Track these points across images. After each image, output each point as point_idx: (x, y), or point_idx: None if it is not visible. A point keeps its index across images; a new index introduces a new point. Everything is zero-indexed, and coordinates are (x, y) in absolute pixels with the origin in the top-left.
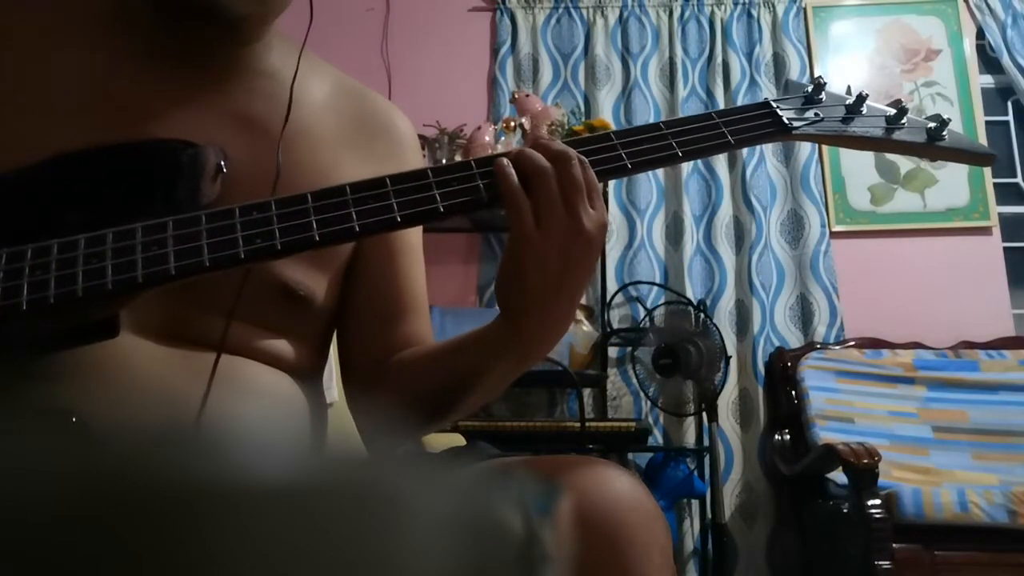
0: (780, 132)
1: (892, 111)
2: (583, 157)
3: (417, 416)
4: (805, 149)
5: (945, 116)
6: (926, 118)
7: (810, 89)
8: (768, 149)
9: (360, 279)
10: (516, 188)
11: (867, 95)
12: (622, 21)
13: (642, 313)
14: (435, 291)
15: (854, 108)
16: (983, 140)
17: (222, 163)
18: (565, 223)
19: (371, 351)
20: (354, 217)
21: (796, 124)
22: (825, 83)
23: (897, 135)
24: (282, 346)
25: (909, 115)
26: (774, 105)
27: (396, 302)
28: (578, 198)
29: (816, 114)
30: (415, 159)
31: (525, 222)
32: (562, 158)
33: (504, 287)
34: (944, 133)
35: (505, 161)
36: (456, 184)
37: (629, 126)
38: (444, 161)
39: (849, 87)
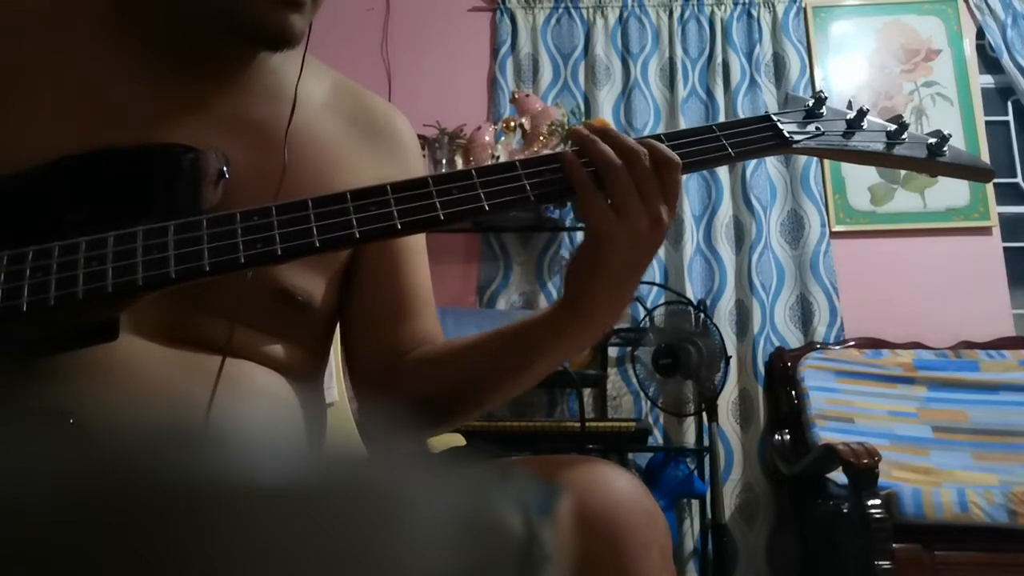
0: (781, 145)
1: (893, 126)
2: (645, 150)
3: (436, 413)
4: None
5: (945, 122)
6: (927, 133)
7: (811, 103)
8: None
9: (363, 281)
10: (589, 183)
11: (867, 110)
12: (622, 21)
13: (642, 313)
14: (435, 291)
15: (855, 122)
16: (983, 140)
17: (224, 168)
18: (644, 214)
19: (381, 352)
20: (354, 224)
21: (797, 137)
22: (826, 97)
23: (898, 150)
24: (279, 349)
25: (910, 130)
26: (775, 118)
27: (402, 301)
28: (652, 189)
29: (817, 128)
30: (414, 158)
31: (606, 215)
32: (632, 153)
33: (578, 274)
34: (945, 149)
35: (573, 158)
36: (457, 192)
37: (629, 127)
38: (444, 161)
39: (850, 102)
